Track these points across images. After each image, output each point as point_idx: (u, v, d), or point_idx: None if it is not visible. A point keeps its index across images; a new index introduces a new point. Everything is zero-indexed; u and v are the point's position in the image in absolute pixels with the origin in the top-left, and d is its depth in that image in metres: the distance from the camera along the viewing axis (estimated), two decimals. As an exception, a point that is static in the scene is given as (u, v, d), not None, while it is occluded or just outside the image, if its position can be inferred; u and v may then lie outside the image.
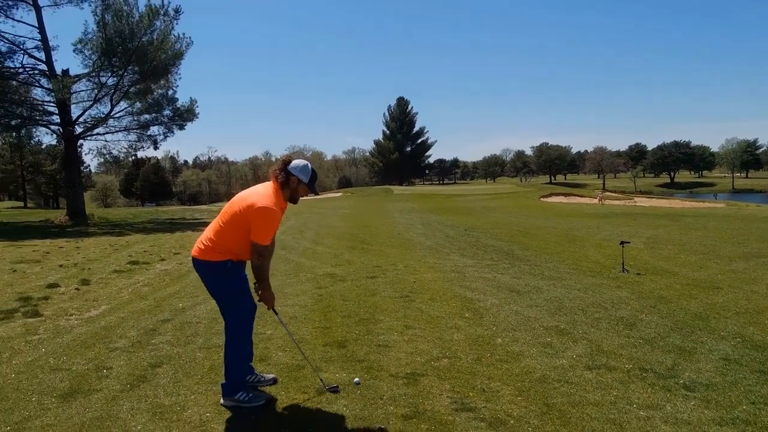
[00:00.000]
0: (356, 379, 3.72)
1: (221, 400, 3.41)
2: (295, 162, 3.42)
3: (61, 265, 9.35)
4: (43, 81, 21.60)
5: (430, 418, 3.16)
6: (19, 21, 20.63)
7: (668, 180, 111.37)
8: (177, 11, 20.68)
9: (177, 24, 21.08)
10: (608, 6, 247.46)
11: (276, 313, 3.57)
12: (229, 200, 3.53)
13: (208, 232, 3.44)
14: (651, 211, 25.21)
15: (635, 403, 3.36)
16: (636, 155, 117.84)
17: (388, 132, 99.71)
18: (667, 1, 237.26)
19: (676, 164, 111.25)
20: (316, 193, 3.64)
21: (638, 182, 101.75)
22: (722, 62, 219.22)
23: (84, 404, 3.40)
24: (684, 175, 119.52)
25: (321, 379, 3.66)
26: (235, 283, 3.40)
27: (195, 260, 3.45)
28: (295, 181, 3.37)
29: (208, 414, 3.26)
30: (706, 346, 4.48)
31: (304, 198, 3.74)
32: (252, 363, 3.75)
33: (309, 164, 3.47)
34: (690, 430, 3.00)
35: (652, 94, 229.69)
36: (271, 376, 3.79)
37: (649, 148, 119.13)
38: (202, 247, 3.39)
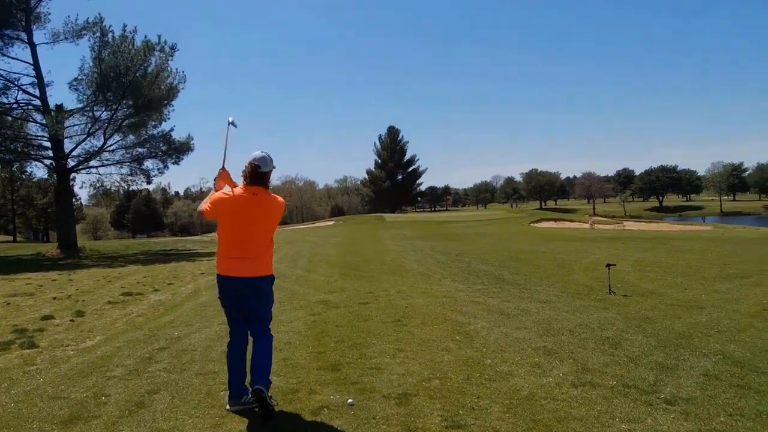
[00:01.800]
0: (350, 401, 3.83)
1: (264, 394, 3.54)
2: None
3: (54, 298, 9.39)
4: (37, 116, 21.89)
5: (422, 436, 3.27)
6: (14, 59, 21.00)
7: (657, 204, 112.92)
8: (173, 48, 21.18)
9: (172, 60, 21.55)
10: (591, 32, 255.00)
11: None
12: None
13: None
14: (639, 235, 25.57)
15: (618, 417, 3.50)
16: (624, 180, 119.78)
17: (379, 161, 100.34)
18: (649, 25, 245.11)
19: (664, 188, 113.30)
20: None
21: (628, 206, 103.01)
22: (707, 87, 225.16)
23: (84, 430, 3.48)
24: (672, 199, 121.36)
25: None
26: None
27: (255, 279, 3.74)
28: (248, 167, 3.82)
29: (206, 436, 3.35)
30: (688, 363, 4.64)
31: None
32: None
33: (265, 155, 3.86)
34: (669, 441, 3.14)
35: (638, 119, 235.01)
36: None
37: (637, 173, 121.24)
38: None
